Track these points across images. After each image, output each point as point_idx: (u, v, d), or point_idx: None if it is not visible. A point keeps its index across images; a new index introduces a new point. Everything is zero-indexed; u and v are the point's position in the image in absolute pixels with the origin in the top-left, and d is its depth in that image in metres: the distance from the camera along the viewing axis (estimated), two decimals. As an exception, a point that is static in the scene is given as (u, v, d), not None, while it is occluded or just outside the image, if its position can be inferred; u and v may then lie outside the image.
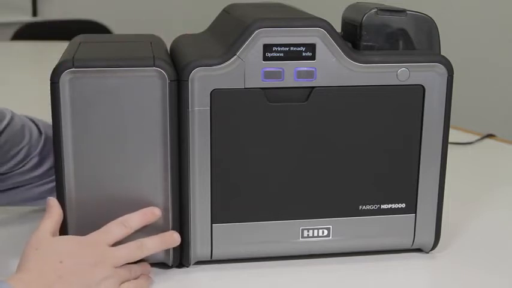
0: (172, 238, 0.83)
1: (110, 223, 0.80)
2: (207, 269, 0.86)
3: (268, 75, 0.81)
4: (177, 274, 0.85)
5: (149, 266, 0.83)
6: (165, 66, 0.80)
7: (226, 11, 0.94)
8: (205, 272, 0.86)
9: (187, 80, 0.80)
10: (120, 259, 0.78)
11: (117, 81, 0.79)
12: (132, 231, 0.81)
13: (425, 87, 0.84)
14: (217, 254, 0.86)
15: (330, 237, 0.87)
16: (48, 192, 0.92)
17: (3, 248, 0.90)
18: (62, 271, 0.74)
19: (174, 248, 0.84)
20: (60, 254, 0.76)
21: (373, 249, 0.90)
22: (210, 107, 0.81)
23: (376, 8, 0.85)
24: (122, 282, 0.78)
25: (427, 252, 0.91)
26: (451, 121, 0.87)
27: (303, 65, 0.81)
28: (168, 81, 0.80)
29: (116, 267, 0.78)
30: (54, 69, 0.79)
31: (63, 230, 0.82)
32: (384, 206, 0.87)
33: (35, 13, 3.51)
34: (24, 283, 0.72)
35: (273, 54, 0.81)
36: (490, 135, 1.43)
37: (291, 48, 0.81)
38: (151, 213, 0.82)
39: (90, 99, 0.79)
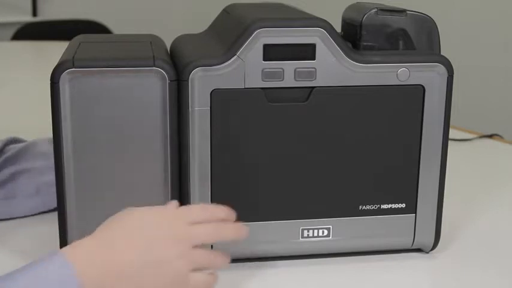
0: (244, 230, 0.77)
1: (191, 205, 0.77)
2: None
3: (268, 75, 0.81)
4: (177, 274, 0.85)
5: (229, 259, 0.76)
6: (165, 66, 0.80)
7: (226, 11, 0.94)
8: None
9: (187, 80, 0.80)
10: (197, 238, 0.73)
11: (117, 81, 0.79)
12: (213, 218, 0.75)
13: (425, 87, 0.84)
14: (217, 254, 0.86)
15: (330, 237, 0.87)
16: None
17: (4, 247, 0.90)
18: (133, 241, 0.70)
19: (174, 248, 0.84)
20: (137, 222, 0.72)
21: (373, 249, 0.90)
22: (210, 107, 0.81)
23: (376, 8, 0.86)
24: (195, 269, 0.73)
25: (427, 252, 0.91)
26: (451, 121, 0.87)
27: (303, 65, 0.81)
28: (168, 81, 0.80)
29: (193, 249, 0.72)
30: (54, 69, 0.79)
31: (63, 230, 0.82)
32: (384, 206, 0.87)
33: (35, 13, 3.52)
34: (83, 248, 0.69)
35: (273, 54, 0.81)
36: (492, 135, 1.43)
37: (291, 48, 0.81)
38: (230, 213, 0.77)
39: (90, 99, 0.79)
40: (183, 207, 0.76)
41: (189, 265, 0.72)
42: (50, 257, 0.67)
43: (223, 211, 0.77)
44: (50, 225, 0.91)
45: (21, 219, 0.98)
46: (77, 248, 0.69)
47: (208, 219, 0.75)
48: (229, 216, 0.77)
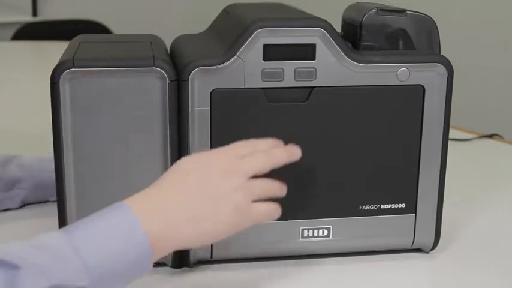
0: (295, 150, 0.78)
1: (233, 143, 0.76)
2: (207, 269, 0.86)
3: (268, 75, 0.81)
4: (177, 274, 0.85)
5: (285, 187, 0.77)
6: (165, 66, 0.80)
7: (226, 11, 0.94)
8: (205, 272, 0.86)
9: (187, 80, 0.80)
10: (250, 168, 0.73)
11: (117, 81, 0.79)
12: (260, 149, 0.76)
13: (425, 87, 0.84)
14: (218, 254, 0.86)
15: (330, 237, 0.87)
16: None
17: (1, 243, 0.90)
18: (187, 183, 0.71)
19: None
20: (187, 167, 0.73)
21: (373, 249, 0.90)
22: (210, 107, 0.81)
23: (376, 8, 0.86)
24: (254, 200, 0.73)
25: (427, 252, 0.91)
26: (451, 121, 0.87)
27: (303, 65, 0.81)
28: (168, 81, 0.80)
29: (249, 180, 0.73)
30: (54, 69, 0.79)
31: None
32: (384, 206, 0.87)
33: (35, 13, 3.52)
34: (141, 196, 0.69)
35: (273, 54, 0.81)
36: (492, 135, 1.43)
37: (291, 48, 0.81)
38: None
39: (90, 99, 0.79)
40: (226, 146, 0.76)
41: (248, 196, 0.72)
42: (110, 208, 0.67)
43: (267, 141, 0.77)
44: (50, 223, 0.91)
45: (20, 216, 0.98)
46: (136, 197, 0.70)
47: (256, 151, 0.76)
48: (277, 144, 0.77)
